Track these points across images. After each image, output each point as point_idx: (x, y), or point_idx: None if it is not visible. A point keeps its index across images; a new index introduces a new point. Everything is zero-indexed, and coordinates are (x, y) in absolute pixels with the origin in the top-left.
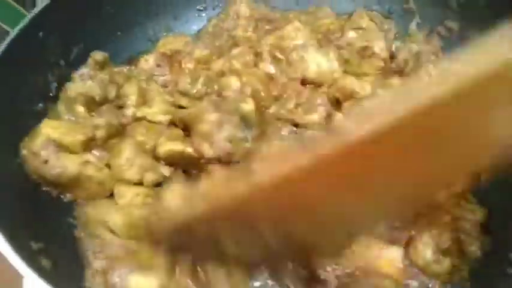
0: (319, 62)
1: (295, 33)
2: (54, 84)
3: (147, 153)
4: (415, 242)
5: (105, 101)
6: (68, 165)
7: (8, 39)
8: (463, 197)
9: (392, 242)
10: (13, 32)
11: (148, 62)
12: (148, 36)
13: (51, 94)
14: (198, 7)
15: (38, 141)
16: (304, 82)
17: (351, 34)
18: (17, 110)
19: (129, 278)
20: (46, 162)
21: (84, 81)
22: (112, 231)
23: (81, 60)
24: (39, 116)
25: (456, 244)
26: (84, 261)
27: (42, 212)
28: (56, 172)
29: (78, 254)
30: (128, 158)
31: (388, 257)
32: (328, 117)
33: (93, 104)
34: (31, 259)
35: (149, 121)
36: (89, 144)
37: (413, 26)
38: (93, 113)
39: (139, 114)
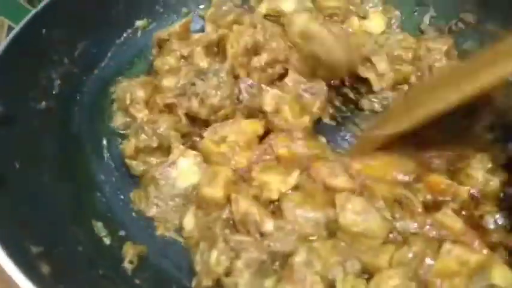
0: None
1: None
2: (58, 82)
3: None
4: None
5: None
6: None
7: (10, 36)
8: None
9: None
10: (16, 29)
11: None
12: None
13: (54, 92)
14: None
15: None
16: None
17: None
18: (20, 109)
19: None
20: None
21: None
22: None
23: (84, 58)
24: (43, 115)
25: None
26: None
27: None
28: None
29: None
30: None
31: None
32: None
33: None
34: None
35: None
36: None
37: (426, 20)
38: None
39: None
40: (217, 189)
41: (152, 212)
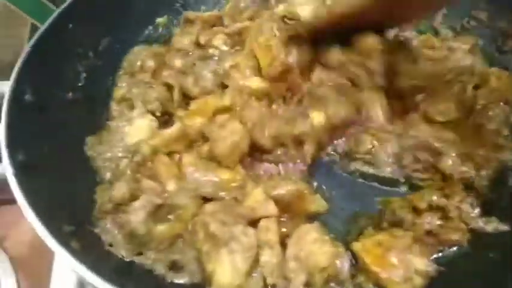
0: None
1: None
2: (83, 75)
3: None
4: None
5: None
6: None
7: (39, 31)
8: None
9: None
10: (44, 24)
11: None
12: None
13: (80, 84)
14: None
15: None
16: None
17: None
18: (48, 99)
19: None
20: None
21: None
22: None
23: (109, 51)
24: (69, 106)
25: None
26: None
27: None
28: None
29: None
30: None
31: None
32: None
33: None
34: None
35: None
36: None
37: (439, 18)
38: None
39: None
40: (147, 146)
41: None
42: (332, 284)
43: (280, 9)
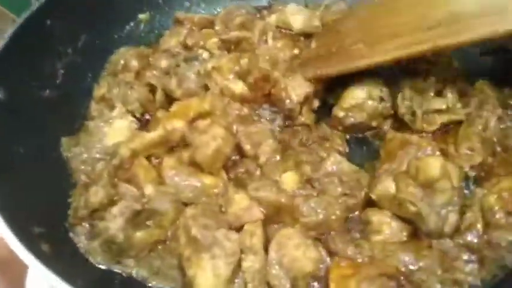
0: None
1: None
2: (61, 72)
3: None
4: None
5: None
6: None
7: (15, 27)
8: None
9: None
10: (20, 19)
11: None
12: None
13: (58, 81)
14: None
15: None
16: None
17: None
18: (23, 98)
19: None
20: None
21: None
22: None
23: (89, 48)
24: (46, 104)
25: None
26: None
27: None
28: None
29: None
30: None
31: None
32: None
33: None
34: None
35: None
36: None
37: None
38: None
39: None
40: (126, 148)
41: (75, 162)
42: (314, 284)
43: (273, 19)
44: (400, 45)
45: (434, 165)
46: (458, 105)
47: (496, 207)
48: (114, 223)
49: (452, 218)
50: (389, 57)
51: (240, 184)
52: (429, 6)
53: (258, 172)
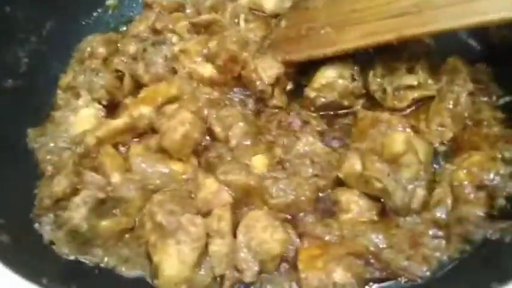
0: None
1: None
2: (25, 60)
3: None
4: None
5: None
6: None
7: None
8: None
9: None
10: None
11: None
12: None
13: (21, 70)
14: None
15: None
16: None
17: None
18: None
19: None
20: None
21: None
22: None
23: (54, 36)
24: (9, 94)
25: None
26: None
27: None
28: None
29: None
30: None
31: None
32: None
33: None
34: None
35: None
36: None
37: None
38: None
39: None
40: (92, 137)
41: (42, 153)
42: (284, 264)
43: (245, 1)
44: (366, 33)
45: (398, 140)
46: (430, 81)
47: (466, 182)
48: (77, 212)
49: (420, 193)
50: (356, 45)
51: (211, 169)
52: None
53: (229, 157)
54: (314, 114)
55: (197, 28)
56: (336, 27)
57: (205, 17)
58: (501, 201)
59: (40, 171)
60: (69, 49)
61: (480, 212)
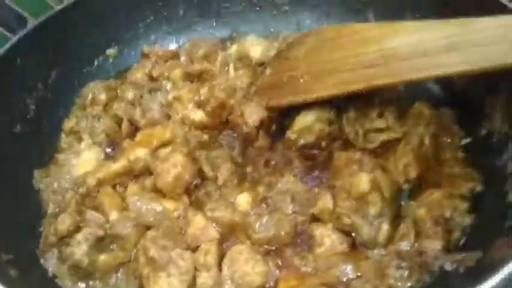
0: None
1: None
2: (32, 107)
3: None
4: None
5: None
6: None
7: None
8: None
9: None
10: None
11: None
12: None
13: (29, 116)
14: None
15: None
16: None
17: None
18: None
19: None
20: None
21: None
22: None
23: (59, 83)
24: (18, 139)
25: None
26: None
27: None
28: None
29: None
30: None
31: None
32: None
33: None
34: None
35: None
36: None
37: None
38: None
39: None
40: (93, 178)
41: (46, 193)
42: None
43: (234, 50)
44: (339, 82)
45: (364, 180)
46: (397, 124)
47: (426, 218)
48: (79, 249)
49: (384, 227)
50: (331, 93)
51: (200, 206)
52: (365, 45)
53: (217, 195)
54: (296, 154)
55: (190, 76)
56: (314, 76)
57: (197, 66)
58: (457, 235)
59: (44, 209)
60: (72, 94)
61: (438, 245)
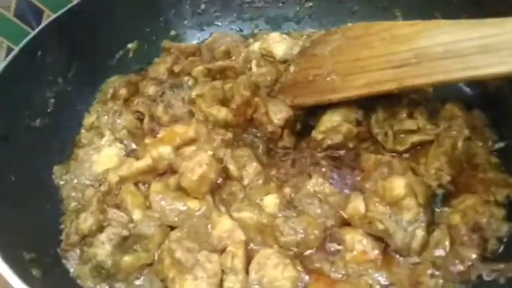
0: None
1: None
2: (52, 101)
3: None
4: None
5: None
6: None
7: (8, 59)
8: None
9: None
10: (13, 52)
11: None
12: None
13: (48, 110)
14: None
15: None
16: None
17: None
18: (15, 126)
19: None
20: None
21: None
22: None
23: (79, 77)
24: (37, 133)
25: None
26: None
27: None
28: None
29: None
30: None
31: None
32: None
33: None
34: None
35: None
36: None
37: None
38: None
39: None
40: (114, 175)
41: (66, 189)
42: None
43: (256, 47)
44: (368, 82)
45: (398, 184)
46: (429, 126)
47: (461, 225)
48: (103, 249)
49: (419, 234)
50: (359, 94)
51: (224, 206)
52: (395, 44)
53: (242, 195)
54: (322, 154)
55: (212, 72)
56: (341, 75)
57: (219, 63)
58: (494, 243)
59: (64, 207)
60: (92, 89)
61: (474, 253)
